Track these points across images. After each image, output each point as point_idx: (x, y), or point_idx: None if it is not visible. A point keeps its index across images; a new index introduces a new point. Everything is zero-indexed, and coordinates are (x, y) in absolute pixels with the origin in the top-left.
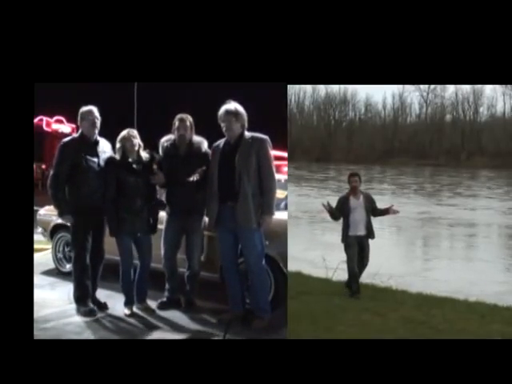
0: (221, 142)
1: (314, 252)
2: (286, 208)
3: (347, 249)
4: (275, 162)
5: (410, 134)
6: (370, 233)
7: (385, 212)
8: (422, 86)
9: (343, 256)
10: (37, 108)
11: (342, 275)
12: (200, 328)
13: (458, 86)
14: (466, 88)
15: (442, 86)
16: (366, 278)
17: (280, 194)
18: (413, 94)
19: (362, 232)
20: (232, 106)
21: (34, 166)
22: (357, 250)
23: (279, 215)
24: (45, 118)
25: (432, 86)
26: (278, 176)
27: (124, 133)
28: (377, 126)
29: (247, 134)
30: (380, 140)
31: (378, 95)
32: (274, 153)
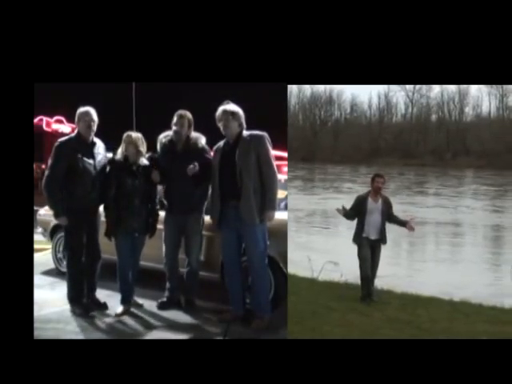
0: (220, 143)
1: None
2: (285, 208)
3: (360, 251)
4: (276, 162)
5: (395, 133)
6: (383, 238)
7: (401, 224)
8: (407, 86)
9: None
10: (37, 108)
11: (327, 275)
12: (200, 328)
13: (444, 86)
14: (452, 88)
15: (428, 85)
16: (352, 278)
17: (280, 193)
18: (398, 94)
19: (374, 236)
20: (229, 105)
21: (34, 165)
22: (370, 253)
23: (279, 215)
24: (45, 118)
25: (417, 86)
26: (278, 176)
27: (125, 136)
28: (362, 125)
29: (245, 132)
30: (365, 140)
31: (364, 95)
32: (274, 153)
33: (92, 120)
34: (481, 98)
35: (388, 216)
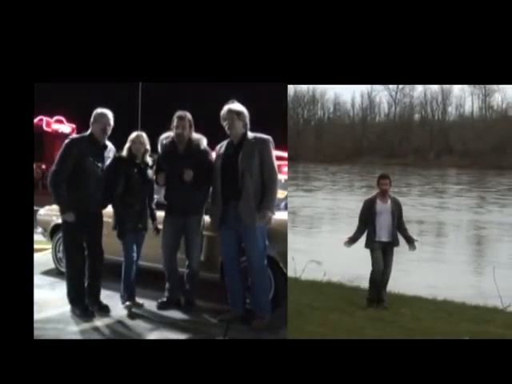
0: (223, 143)
1: None
2: (285, 208)
3: (373, 255)
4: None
5: (378, 133)
6: (395, 239)
7: (407, 238)
8: (390, 86)
9: None
10: (37, 108)
11: (310, 275)
12: (200, 328)
13: (427, 85)
14: (435, 88)
15: (411, 85)
16: (333, 276)
17: (280, 193)
18: (381, 94)
19: (385, 238)
20: (235, 105)
21: (34, 165)
22: (382, 256)
23: (279, 215)
24: (45, 118)
25: (400, 86)
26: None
27: (133, 135)
28: (345, 125)
29: (250, 134)
30: (349, 139)
31: (347, 94)
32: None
33: (108, 123)
34: (464, 97)
35: (398, 220)
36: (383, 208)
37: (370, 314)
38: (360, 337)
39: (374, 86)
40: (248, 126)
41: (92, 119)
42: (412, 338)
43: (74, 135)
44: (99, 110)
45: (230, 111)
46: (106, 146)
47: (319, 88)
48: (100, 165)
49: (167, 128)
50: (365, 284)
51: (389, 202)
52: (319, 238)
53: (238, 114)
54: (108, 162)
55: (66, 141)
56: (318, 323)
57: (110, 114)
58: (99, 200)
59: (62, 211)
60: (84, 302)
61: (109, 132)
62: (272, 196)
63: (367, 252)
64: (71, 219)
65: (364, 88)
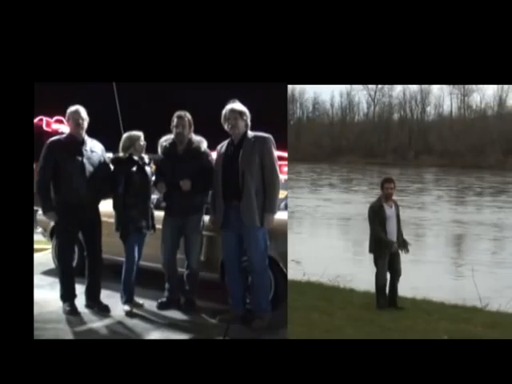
0: (224, 143)
1: None
2: (286, 208)
3: (378, 260)
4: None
5: (357, 132)
6: (400, 242)
7: (401, 242)
8: (369, 85)
9: None
10: (37, 108)
11: (290, 274)
12: (200, 328)
13: (406, 85)
14: (414, 87)
15: (390, 85)
16: (312, 275)
17: (280, 193)
18: (360, 93)
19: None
20: (237, 105)
21: (34, 165)
22: (387, 262)
23: (279, 215)
24: (45, 118)
25: (379, 85)
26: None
27: (132, 134)
28: (324, 124)
29: (250, 133)
30: (328, 138)
31: (326, 94)
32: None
33: (80, 118)
34: (442, 97)
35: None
36: (390, 212)
37: (349, 313)
38: (339, 337)
39: (353, 85)
40: (249, 125)
41: (66, 118)
42: (391, 337)
43: (53, 137)
44: (71, 108)
45: (233, 111)
46: (84, 142)
47: (298, 87)
48: (80, 159)
49: (148, 128)
50: (344, 283)
51: (393, 205)
52: (299, 238)
53: (241, 113)
54: (89, 155)
55: (46, 142)
56: (298, 323)
57: (81, 108)
58: (87, 195)
59: (44, 211)
60: (73, 300)
61: (84, 126)
62: (273, 198)
63: (348, 253)
64: (53, 219)
65: (343, 87)
